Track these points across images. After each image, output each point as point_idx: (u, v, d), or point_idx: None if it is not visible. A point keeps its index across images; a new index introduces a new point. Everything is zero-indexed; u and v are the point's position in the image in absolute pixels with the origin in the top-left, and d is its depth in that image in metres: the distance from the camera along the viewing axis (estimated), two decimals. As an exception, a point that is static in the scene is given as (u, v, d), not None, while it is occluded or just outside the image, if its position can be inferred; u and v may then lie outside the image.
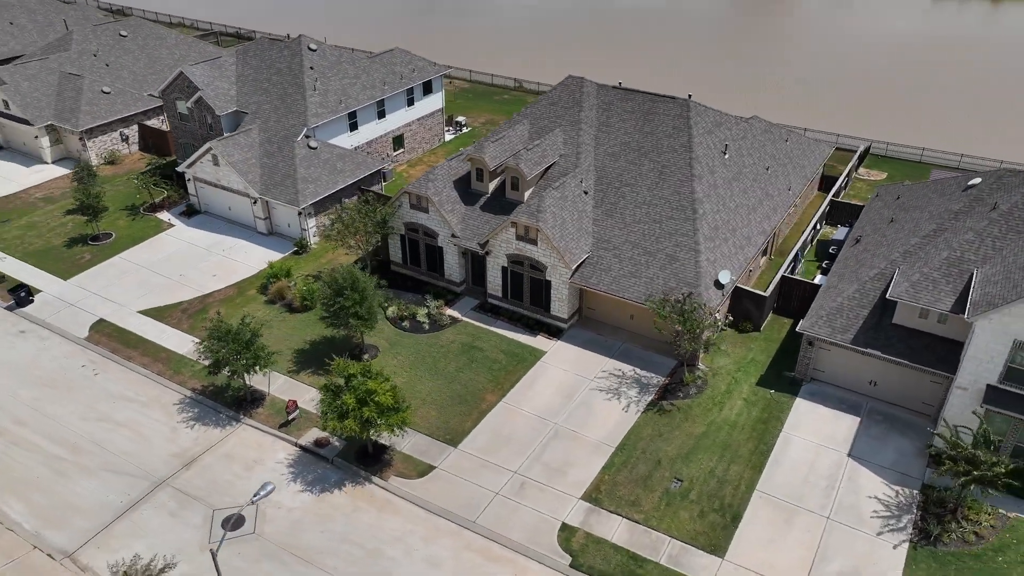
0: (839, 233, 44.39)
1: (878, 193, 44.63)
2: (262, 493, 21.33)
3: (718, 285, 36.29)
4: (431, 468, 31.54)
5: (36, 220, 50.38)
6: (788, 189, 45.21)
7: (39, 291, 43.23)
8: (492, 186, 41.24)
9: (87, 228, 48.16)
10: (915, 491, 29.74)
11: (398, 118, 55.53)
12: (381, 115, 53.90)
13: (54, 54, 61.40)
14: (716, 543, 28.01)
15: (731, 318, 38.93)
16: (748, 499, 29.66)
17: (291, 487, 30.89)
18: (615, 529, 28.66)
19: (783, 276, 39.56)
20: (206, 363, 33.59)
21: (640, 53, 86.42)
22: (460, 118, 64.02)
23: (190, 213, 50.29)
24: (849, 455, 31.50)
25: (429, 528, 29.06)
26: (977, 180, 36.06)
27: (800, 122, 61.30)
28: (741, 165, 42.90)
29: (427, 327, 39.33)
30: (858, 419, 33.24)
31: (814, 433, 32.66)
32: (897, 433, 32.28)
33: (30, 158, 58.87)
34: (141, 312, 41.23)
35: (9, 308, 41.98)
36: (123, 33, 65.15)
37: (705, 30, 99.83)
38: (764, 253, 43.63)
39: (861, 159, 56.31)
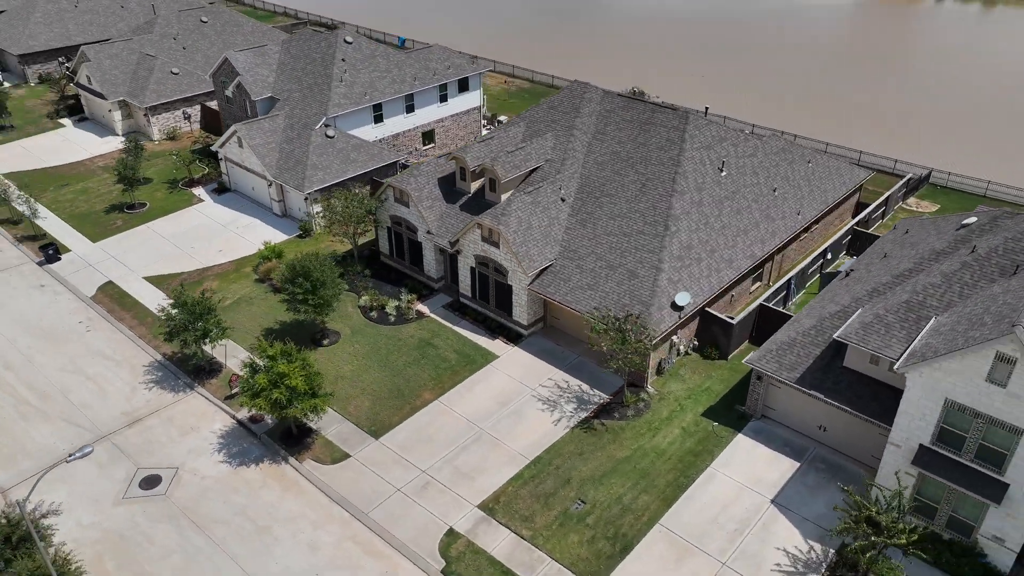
0: (849, 264, 41.17)
1: (896, 226, 41.00)
2: (77, 455, 22.41)
3: (675, 307, 34.67)
4: (346, 456, 32.08)
5: (90, 186, 55.00)
6: (797, 214, 42.37)
7: (68, 250, 47.35)
8: (475, 186, 41.23)
9: (125, 197, 52.15)
10: (831, 550, 27.32)
11: (429, 113, 56.39)
12: (410, 109, 54.95)
13: (139, 36, 66.71)
14: (595, 572, 26.91)
15: (696, 343, 37.15)
16: (646, 532, 28.24)
17: (214, 456, 32.32)
18: (499, 542, 28.11)
19: (761, 304, 37.24)
20: (165, 331, 35.73)
21: (724, 66, 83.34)
22: (502, 117, 64.17)
23: (220, 191, 53.36)
24: (773, 501, 29.32)
25: (323, 514, 29.61)
26: (972, 219, 32.46)
27: (859, 144, 57.35)
28: (740, 184, 40.64)
29: (393, 319, 39.90)
30: (797, 464, 30.85)
31: (743, 473, 30.61)
32: (835, 485, 29.72)
33: (105, 130, 64.27)
34: (145, 278, 44.24)
35: (40, 263, 46.21)
36: (204, 19, 69.75)
37: (810, 43, 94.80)
38: (759, 279, 41.23)
39: (913, 188, 51.87)
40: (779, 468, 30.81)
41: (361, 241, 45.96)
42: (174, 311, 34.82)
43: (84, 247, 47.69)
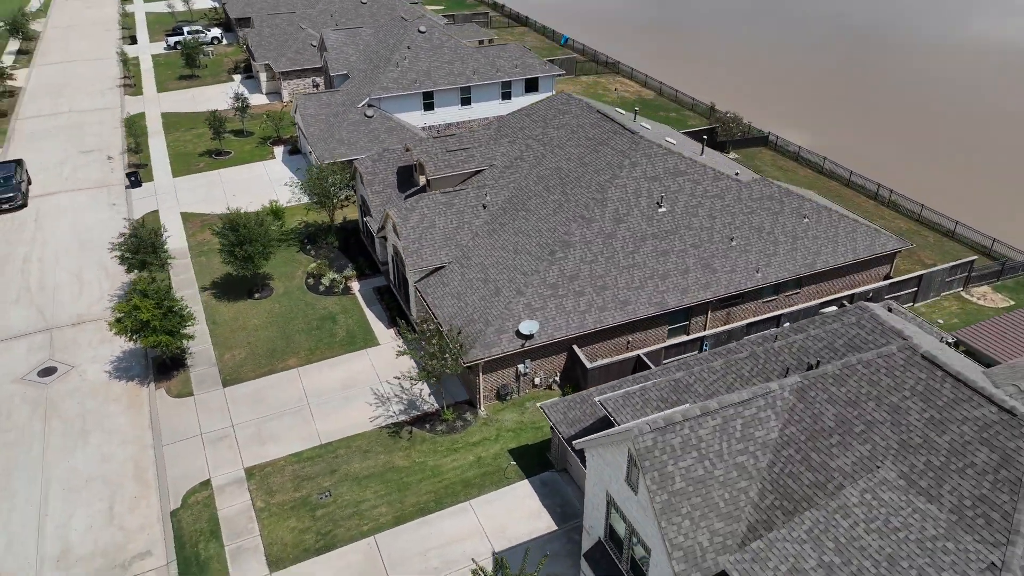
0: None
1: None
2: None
3: (519, 334, 32.75)
4: (189, 395, 35.37)
5: (205, 132, 64.37)
6: (756, 271, 36.96)
7: (151, 180, 56.39)
8: (423, 180, 41.86)
9: (214, 145, 60.39)
10: (506, 621, 24.80)
11: (487, 108, 57.25)
12: (465, 102, 56.33)
13: (303, 10, 75.64)
14: (281, 559, 27.27)
15: (556, 379, 34.67)
16: (355, 540, 27.81)
17: (105, 366, 37.42)
18: (231, 505, 29.53)
19: (639, 355, 33.53)
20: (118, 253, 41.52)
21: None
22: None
23: (292, 152, 59.44)
24: (495, 554, 27.12)
25: (133, 435, 33.13)
26: (831, 308, 26.32)
27: (956, 212, 47.67)
28: (681, 225, 36.53)
29: (322, 290, 42.30)
30: (554, 528, 28.01)
31: (495, 519, 28.53)
32: (569, 556, 26.59)
33: (257, 88, 74.32)
34: (181, 213, 51.44)
35: (126, 187, 55.69)
36: (363, 1, 76.85)
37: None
38: (685, 332, 36.89)
39: (990, 275, 41.99)
40: (534, 526, 28.25)
41: (354, 216, 48.93)
42: (130, 239, 40.65)
43: (164, 180, 56.44)
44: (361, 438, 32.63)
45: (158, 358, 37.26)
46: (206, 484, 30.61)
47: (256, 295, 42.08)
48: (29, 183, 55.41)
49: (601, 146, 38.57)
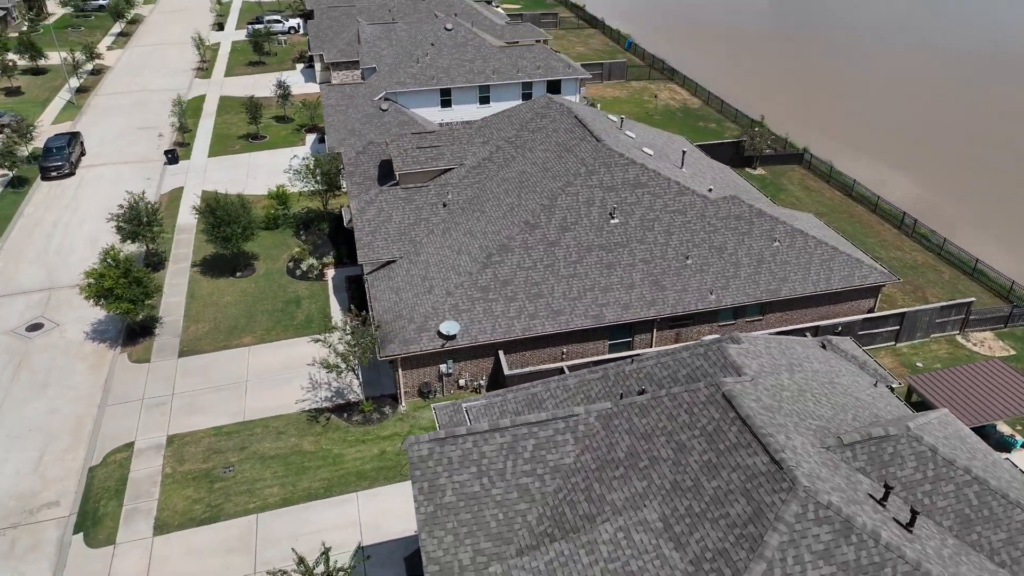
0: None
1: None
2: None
3: (440, 334, 32.71)
4: (146, 361, 37.49)
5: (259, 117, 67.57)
6: (710, 293, 35.25)
7: (188, 158, 59.85)
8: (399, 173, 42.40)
9: (252, 129, 63.31)
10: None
11: (501, 108, 57.13)
12: (484, 100, 56.44)
13: (361, 3, 77.91)
14: (167, 524, 28.55)
15: (482, 382, 34.37)
16: (239, 516, 28.75)
17: (85, 327, 40.09)
18: (144, 468, 31.13)
19: (563, 366, 32.73)
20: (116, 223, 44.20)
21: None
22: (613, 130, 61.41)
23: (321, 140, 61.52)
24: (361, 547, 27.31)
25: (85, 393, 35.36)
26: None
27: (981, 250, 43.76)
28: (633, 238, 35.35)
29: (298, 274, 43.70)
30: (427, 530, 27.86)
31: (375, 513, 28.77)
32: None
33: (311, 77, 77.29)
34: (203, 191, 54.31)
35: (164, 163, 59.34)
36: (422, -4, 78.33)
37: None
38: (628, 348, 35.70)
39: (994, 320, 38.27)
40: (408, 525, 28.23)
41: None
42: (129, 210, 43.39)
43: (199, 159, 59.79)
44: (281, 419, 33.62)
45: (130, 325, 39.72)
46: (129, 446, 32.45)
47: (238, 274, 44.01)
48: (83, 154, 60.09)
49: (566, 152, 37.87)
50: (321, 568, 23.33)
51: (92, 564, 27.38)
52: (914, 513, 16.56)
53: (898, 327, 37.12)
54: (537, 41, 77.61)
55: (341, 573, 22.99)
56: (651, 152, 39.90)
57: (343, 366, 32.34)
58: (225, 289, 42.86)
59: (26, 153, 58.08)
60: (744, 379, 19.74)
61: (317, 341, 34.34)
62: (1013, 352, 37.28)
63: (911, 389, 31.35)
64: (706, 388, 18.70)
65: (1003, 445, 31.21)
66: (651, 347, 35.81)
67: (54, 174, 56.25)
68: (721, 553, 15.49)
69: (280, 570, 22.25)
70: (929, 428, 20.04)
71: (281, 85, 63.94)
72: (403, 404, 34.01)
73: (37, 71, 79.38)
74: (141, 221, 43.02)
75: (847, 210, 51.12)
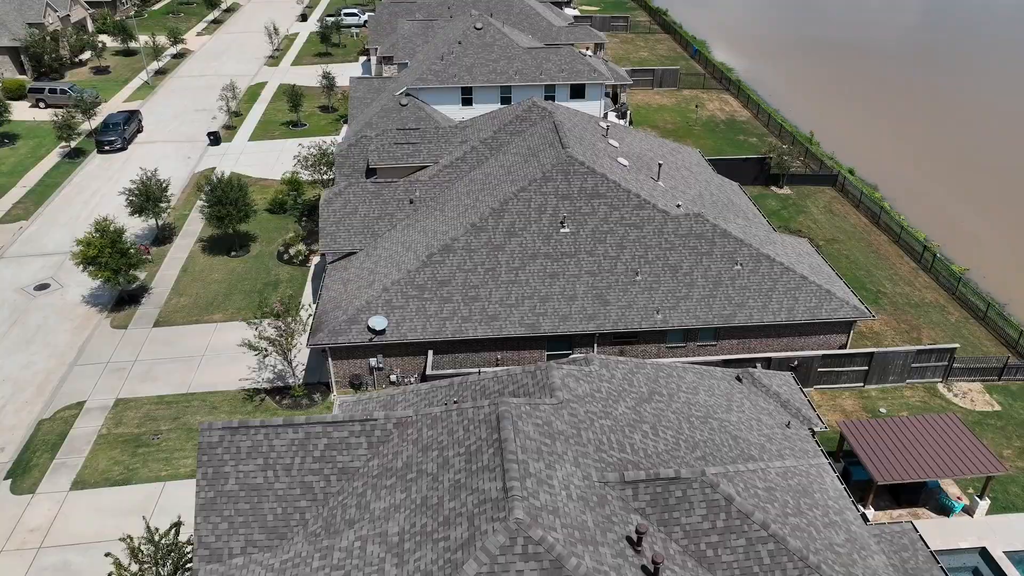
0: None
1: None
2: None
3: (369, 328, 33.03)
4: (124, 328, 39.89)
5: (303, 104, 70.17)
6: (656, 312, 33.84)
7: (230, 141, 62.96)
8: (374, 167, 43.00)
9: (293, 117, 65.79)
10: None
11: (527, 110, 56.84)
12: (506, 100, 56.23)
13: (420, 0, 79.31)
14: (88, 483, 30.32)
15: (413, 380, 34.44)
16: (138, 483, 30.21)
17: (84, 292, 42.97)
18: (84, 428, 33.15)
19: (479, 371, 32.28)
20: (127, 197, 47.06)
21: None
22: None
23: (355, 131, 63.27)
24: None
25: (60, 351, 37.94)
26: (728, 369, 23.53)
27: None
28: (581, 249, 34.43)
29: (286, 259, 45.19)
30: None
31: (270, 495, 29.42)
32: None
33: (368, 70, 79.39)
34: (232, 171, 57.04)
35: (207, 144, 62.67)
36: (484, -6, 78.77)
37: None
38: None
39: (982, 371, 34.79)
40: (296, 511, 28.78)
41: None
42: (141, 184, 46.19)
43: (239, 142, 62.80)
44: (220, 395, 35.00)
45: (121, 293, 42.37)
46: (80, 405, 34.68)
47: (232, 253, 46.03)
48: (139, 131, 64.43)
49: (532, 157, 37.33)
50: (170, 539, 24.18)
51: (9, 509, 29.52)
52: (656, 564, 15.44)
53: (866, 368, 34.37)
54: (595, 45, 76.79)
55: (188, 547, 23.74)
56: (626, 163, 38.69)
57: (269, 349, 33.28)
58: (216, 267, 44.94)
59: (88, 128, 62.95)
60: (546, 402, 18.97)
61: (248, 322, 35.42)
62: (998, 408, 33.74)
63: (842, 436, 28.97)
64: (489, 407, 18.13)
65: (942, 508, 28.37)
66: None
67: (107, 148, 60.59)
68: (426, 575, 15.04)
69: (127, 535, 23.31)
70: (745, 476, 18.60)
71: (326, 76, 66.18)
72: (334, 393, 34.66)
73: (129, 52, 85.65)
74: (149, 197, 45.74)
75: (867, 238, 47.67)
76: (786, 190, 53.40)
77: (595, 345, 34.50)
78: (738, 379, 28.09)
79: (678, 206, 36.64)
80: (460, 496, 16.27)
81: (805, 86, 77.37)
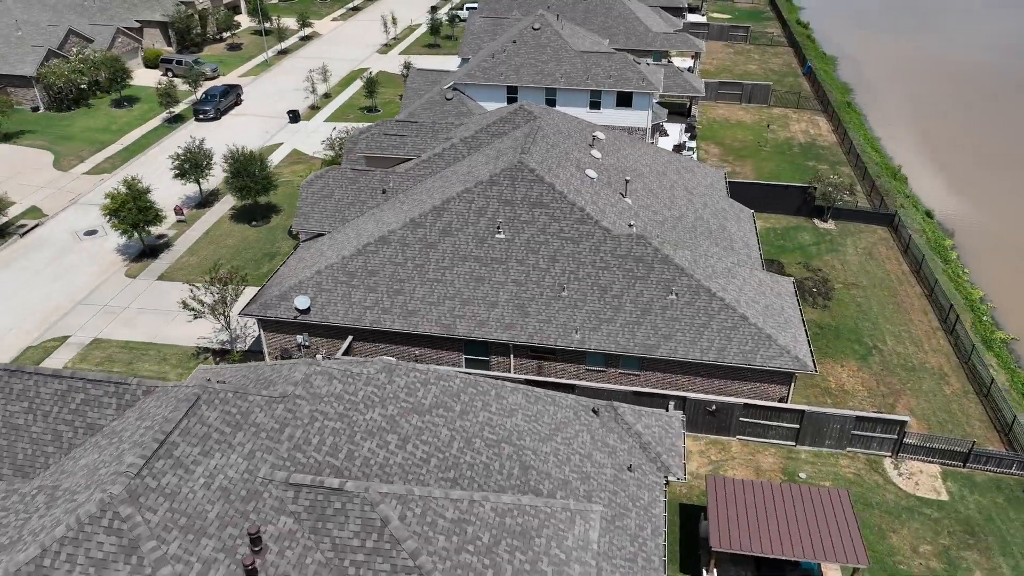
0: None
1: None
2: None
3: (295, 307, 34.37)
4: (135, 278, 44.14)
5: (390, 91, 73.10)
6: (575, 332, 32.44)
7: (308, 120, 67.11)
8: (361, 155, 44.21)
9: (369, 103, 68.79)
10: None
11: (572, 113, 55.65)
12: (551, 103, 55.51)
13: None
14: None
15: (326, 354, 35.39)
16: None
17: (120, 241, 48.00)
18: (58, 357, 37.33)
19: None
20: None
21: None
22: (690, 149, 56.72)
23: (420, 120, 65.13)
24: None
25: (74, 291, 42.90)
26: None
27: None
28: (511, 256, 33.72)
29: (294, 232, 47.75)
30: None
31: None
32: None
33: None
34: (294, 148, 60.84)
35: (288, 121, 67.17)
36: (585, -4, 77.80)
37: None
38: (485, 367, 34.28)
39: (908, 440, 30.19)
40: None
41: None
42: (188, 153, 50.67)
43: (315, 123, 66.72)
44: (174, 348, 38.01)
45: (145, 247, 46.94)
46: (64, 339, 39.05)
47: (254, 223, 49.42)
48: (236, 104, 70.35)
49: (492, 160, 36.93)
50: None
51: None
52: (247, 566, 15.37)
53: (797, 426, 30.97)
54: (697, 55, 73.69)
55: None
56: (594, 175, 37.23)
57: (202, 311, 35.56)
58: (234, 234, 48.47)
59: (194, 98, 69.73)
60: (260, 394, 19.24)
61: (191, 285, 37.83)
62: (944, 498, 29.14)
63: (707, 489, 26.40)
64: (193, 388, 18.69)
65: (804, 593, 25.21)
66: (510, 372, 34.09)
67: (201, 117, 66.79)
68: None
69: None
70: (437, 503, 17.82)
71: (407, 66, 68.63)
72: (267, 359, 36.50)
73: (267, 32, 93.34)
74: (196, 164, 50.07)
75: (895, 287, 42.49)
76: (829, 224, 48.68)
77: (511, 356, 33.78)
78: (594, 411, 26.55)
79: (631, 225, 34.84)
80: (109, 467, 17.06)
81: (932, 118, 69.55)
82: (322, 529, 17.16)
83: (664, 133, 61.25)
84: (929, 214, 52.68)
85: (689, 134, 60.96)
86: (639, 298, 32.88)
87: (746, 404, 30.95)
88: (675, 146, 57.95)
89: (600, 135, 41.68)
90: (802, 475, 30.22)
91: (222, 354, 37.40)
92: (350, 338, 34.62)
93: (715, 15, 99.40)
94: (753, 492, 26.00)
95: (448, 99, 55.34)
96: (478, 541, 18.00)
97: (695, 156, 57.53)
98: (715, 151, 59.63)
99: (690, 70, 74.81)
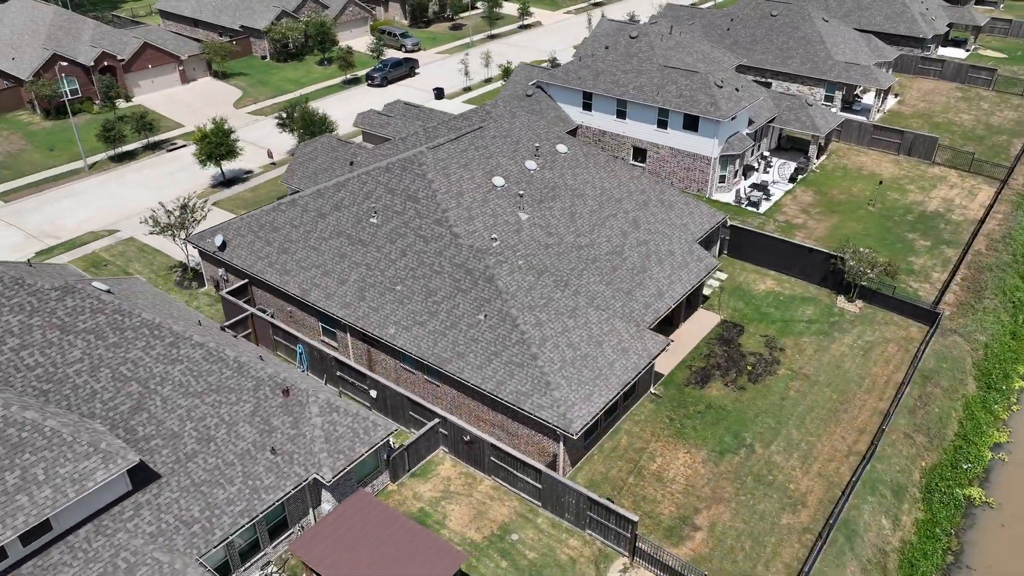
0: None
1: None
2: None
3: (213, 244, 39.20)
4: (205, 197, 52.85)
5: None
6: (391, 327, 32.65)
7: (451, 99, 71.66)
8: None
9: (508, 90, 70.94)
10: None
11: (638, 129, 52.29)
12: (620, 115, 52.81)
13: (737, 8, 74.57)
14: (49, 273, 44.05)
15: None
16: (64, 288, 42.44)
17: (220, 172, 57.44)
18: (88, 245, 47.04)
19: (252, 312, 36.08)
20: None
21: None
22: (756, 188, 49.76)
23: (538, 115, 65.77)
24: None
25: (149, 197, 52.78)
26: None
27: None
28: (377, 246, 34.92)
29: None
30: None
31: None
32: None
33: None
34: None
35: (433, 98, 72.31)
36: (773, 13, 70.60)
37: None
38: (333, 339, 36.00)
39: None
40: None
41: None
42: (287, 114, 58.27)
43: (456, 102, 71.02)
44: (166, 260, 45.49)
45: (226, 177, 55.68)
46: (113, 232, 48.85)
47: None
48: (409, 75, 77.60)
49: (452, 162, 37.70)
50: None
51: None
52: None
53: (538, 487, 28.03)
54: (879, 90, 63.85)
55: None
56: (500, 183, 36.22)
57: (156, 228, 41.89)
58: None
59: (375, 66, 78.54)
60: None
61: (161, 204, 44.53)
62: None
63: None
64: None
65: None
66: (348, 349, 35.46)
67: (369, 82, 75.21)
68: None
69: None
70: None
71: (552, 61, 69.59)
72: (206, 287, 42.21)
73: (492, 17, 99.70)
74: (302, 120, 57.66)
75: (854, 393, 34.36)
76: (853, 307, 40.31)
77: (348, 334, 35.12)
78: (284, 392, 27.40)
79: (493, 238, 33.60)
80: None
81: None
82: None
83: (765, 168, 54.97)
84: (1017, 335, 40.81)
85: (785, 177, 53.73)
86: (454, 310, 32.05)
87: (494, 445, 28.91)
88: (752, 184, 51.73)
89: (563, 148, 39.98)
90: (514, 536, 27.57)
91: (188, 271, 44.08)
92: (242, 281, 38.79)
93: (984, 54, 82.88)
94: (378, 519, 25.00)
95: (528, 95, 55.97)
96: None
97: (761, 201, 50.62)
98: (805, 199, 51.81)
99: (877, 110, 65.11)
